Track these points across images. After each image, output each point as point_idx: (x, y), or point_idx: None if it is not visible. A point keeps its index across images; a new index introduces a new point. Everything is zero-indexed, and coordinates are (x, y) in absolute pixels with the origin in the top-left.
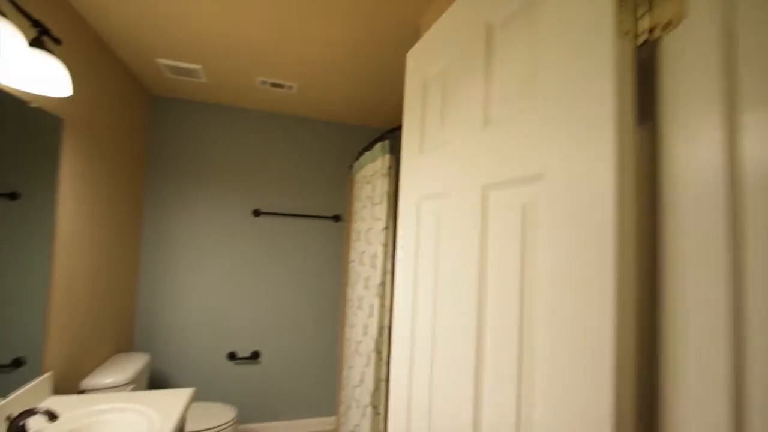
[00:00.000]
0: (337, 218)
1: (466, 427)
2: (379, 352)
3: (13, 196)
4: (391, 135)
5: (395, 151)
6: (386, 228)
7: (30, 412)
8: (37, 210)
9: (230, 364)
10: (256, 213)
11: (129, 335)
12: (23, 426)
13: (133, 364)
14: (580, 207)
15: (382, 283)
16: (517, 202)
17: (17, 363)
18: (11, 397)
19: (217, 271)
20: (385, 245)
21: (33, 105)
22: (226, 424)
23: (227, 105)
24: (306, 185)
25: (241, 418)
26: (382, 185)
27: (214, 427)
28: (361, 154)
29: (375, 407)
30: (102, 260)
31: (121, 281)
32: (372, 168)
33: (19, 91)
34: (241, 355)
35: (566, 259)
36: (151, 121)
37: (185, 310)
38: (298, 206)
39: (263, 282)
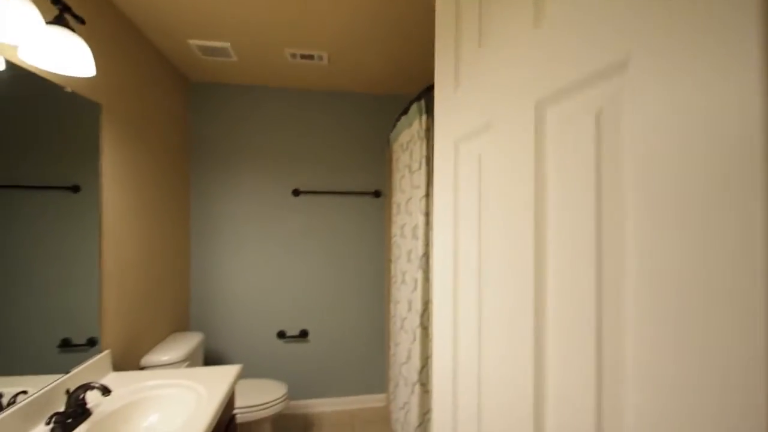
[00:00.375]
0: (377, 194)
1: (525, 401)
2: (425, 327)
3: (75, 189)
4: (427, 94)
5: (433, 112)
6: (426, 195)
7: (86, 387)
8: (93, 200)
9: (280, 342)
10: (296, 193)
11: (185, 316)
12: (83, 399)
13: (188, 343)
14: (700, 102)
15: (425, 255)
16: (587, 110)
17: (91, 342)
18: (72, 372)
19: (262, 253)
20: (427, 214)
21: (68, 90)
22: (277, 399)
23: (262, 86)
24: (344, 162)
25: (292, 395)
26: (420, 150)
27: (266, 403)
28: (397, 120)
29: (423, 385)
30: (152, 245)
31: (173, 265)
32: (408, 133)
33: (49, 73)
34: (290, 333)
35: (678, 180)
36: (191, 108)
37: (235, 291)
38: (337, 183)
39: (307, 261)
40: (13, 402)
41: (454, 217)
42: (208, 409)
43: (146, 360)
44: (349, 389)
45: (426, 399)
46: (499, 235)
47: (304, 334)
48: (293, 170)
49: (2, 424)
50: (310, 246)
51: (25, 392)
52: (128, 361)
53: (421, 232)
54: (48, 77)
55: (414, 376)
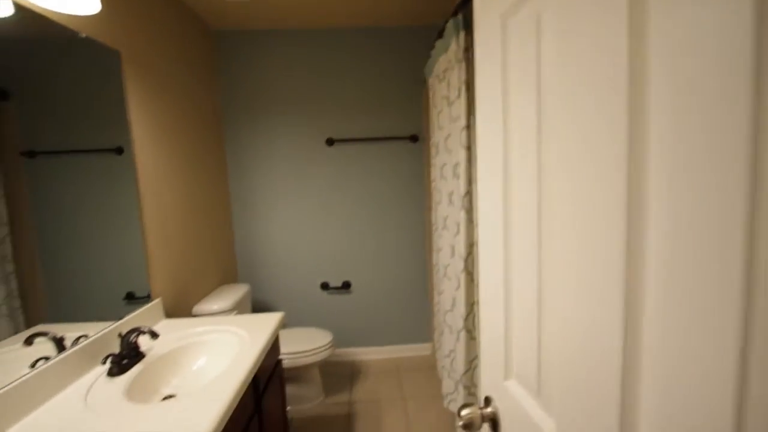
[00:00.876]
0: (414, 138)
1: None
2: (469, 272)
3: (119, 151)
4: (464, 8)
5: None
6: (467, 127)
7: (136, 330)
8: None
9: (324, 293)
10: (330, 142)
11: (232, 268)
12: (136, 342)
13: (236, 294)
14: None
15: (468, 194)
16: None
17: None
18: (126, 318)
19: (300, 205)
20: (468, 148)
21: (82, 35)
22: (323, 346)
23: (286, 30)
24: (378, 106)
25: (338, 344)
26: (458, 75)
27: (313, 349)
28: (432, 48)
29: (469, 332)
30: (191, 199)
31: (216, 217)
32: (445, 59)
33: (56, 14)
34: (333, 285)
35: None
36: (216, 58)
37: (277, 244)
38: (372, 130)
39: (346, 212)
40: (75, 343)
41: (503, 130)
42: (252, 352)
43: (197, 309)
44: (394, 338)
45: (472, 346)
46: (571, 150)
47: (346, 286)
48: (326, 119)
49: (65, 362)
50: (348, 196)
51: (85, 336)
52: (180, 309)
53: (462, 169)
54: (58, 20)
55: (459, 324)
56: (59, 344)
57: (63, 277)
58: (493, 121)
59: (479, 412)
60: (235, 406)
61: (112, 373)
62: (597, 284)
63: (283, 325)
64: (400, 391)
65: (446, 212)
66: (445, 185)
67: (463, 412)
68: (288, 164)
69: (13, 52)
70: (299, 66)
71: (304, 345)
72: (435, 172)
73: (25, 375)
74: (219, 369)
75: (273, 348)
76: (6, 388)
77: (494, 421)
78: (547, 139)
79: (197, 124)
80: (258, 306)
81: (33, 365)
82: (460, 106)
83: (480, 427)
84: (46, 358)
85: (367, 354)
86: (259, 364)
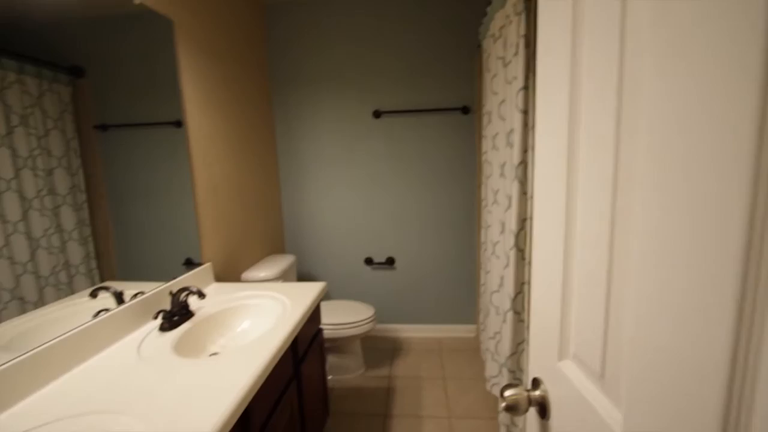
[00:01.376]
0: (465, 110)
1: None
2: (520, 249)
3: (178, 124)
4: None
5: None
6: (525, 88)
7: (185, 289)
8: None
9: (367, 268)
10: (377, 114)
11: (280, 239)
12: (185, 302)
13: (282, 263)
14: None
15: (522, 164)
16: None
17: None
18: (177, 279)
19: (347, 179)
20: (524, 112)
21: (136, 1)
22: (365, 319)
23: None
24: (427, 77)
25: (380, 319)
26: (516, 30)
27: (355, 322)
28: (489, 3)
29: (517, 313)
30: (240, 169)
31: (264, 188)
32: (502, 15)
33: None
34: (377, 260)
35: None
36: (266, 29)
37: (323, 216)
38: (420, 101)
39: (391, 187)
40: (133, 299)
41: (569, 83)
42: (292, 318)
43: (245, 276)
44: (437, 318)
45: (520, 328)
46: (672, 106)
47: (390, 262)
48: (373, 90)
49: (122, 314)
50: (395, 170)
51: (141, 292)
52: (229, 275)
53: (517, 136)
54: None
55: (506, 304)
56: (119, 298)
57: (131, 241)
58: (558, 72)
59: (526, 394)
60: (273, 365)
61: (163, 328)
62: (700, 262)
63: (327, 297)
64: (441, 370)
65: (497, 185)
66: (497, 156)
67: (508, 393)
68: (335, 136)
69: (84, 31)
70: (346, 36)
71: (346, 317)
72: (486, 144)
73: (87, 323)
74: (261, 332)
75: (313, 316)
76: (72, 332)
77: (543, 406)
78: (631, 94)
79: (246, 95)
80: (303, 277)
81: (95, 315)
82: (518, 65)
83: (526, 410)
84: (107, 310)
85: (409, 331)
86: (298, 330)
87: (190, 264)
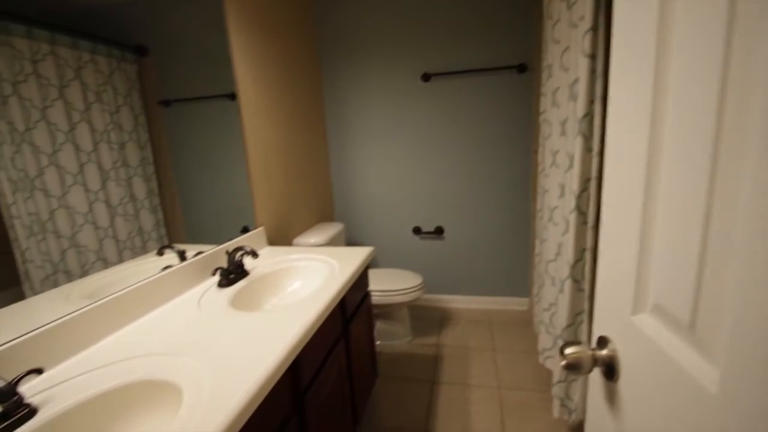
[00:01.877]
0: (522, 68)
1: None
2: (581, 212)
3: (232, 96)
4: None
5: None
6: (593, 29)
7: (240, 249)
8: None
9: (416, 238)
10: (426, 77)
11: (329, 207)
12: (241, 261)
13: (331, 231)
14: None
15: (587, 116)
16: None
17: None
18: (233, 240)
19: (395, 144)
20: (592, 56)
21: None
22: (414, 287)
23: None
24: (480, 33)
25: (428, 289)
26: None
27: (403, 289)
28: None
29: (576, 282)
30: (290, 136)
31: (313, 156)
32: None
33: None
34: (425, 229)
35: None
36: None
37: (371, 184)
38: (472, 61)
39: (441, 154)
40: (194, 257)
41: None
42: (340, 278)
43: (296, 241)
44: (487, 290)
45: (578, 298)
46: None
47: (439, 231)
48: (422, 52)
49: (184, 270)
50: (445, 136)
51: (201, 252)
52: (280, 240)
53: (582, 85)
54: None
55: (564, 272)
56: (182, 256)
57: (193, 210)
58: None
59: (590, 353)
60: (322, 321)
61: (221, 285)
62: None
63: (374, 265)
64: (491, 342)
65: (557, 145)
66: (557, 114)
67: (569, 350)
68: (383, 102)
69: (145, 11)
70: None
71: (394, 284)
72: (545, 102)
73: (155, 275)
74: (311, 291)
75: (361, 279)
76: (142, 283)
77: (610, 366)
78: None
79: (295, 64)
80: (351, 244)
81: (162, 270)
82: (585, 3)
83: (589, 370)
84: (171, 266)
85: (457, 302)
86: (346, 290)
87: (246, 231)
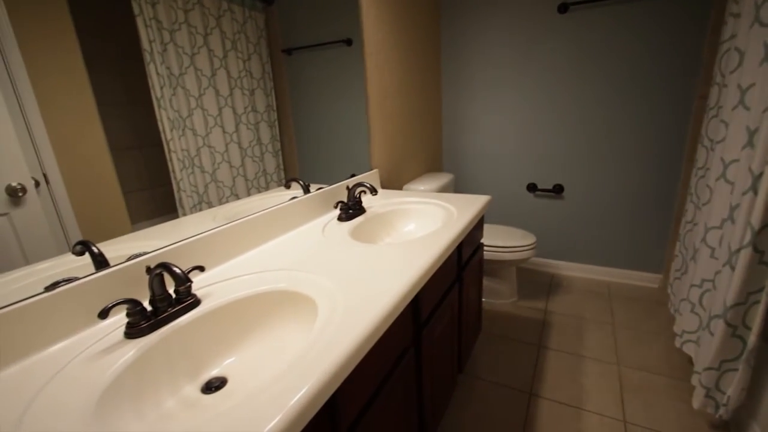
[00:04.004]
0: None
1: None
2: None
3: (349, 42)
4: None
5: None
6: None
7: (360, 185)
8: (361, 50)
9: (530, 195)
10: (563, 8)
11: (438, 158)
12: (359, 198)
13: (441, 180)
14: None
15: None
16: None
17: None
18: (353, 178)
19: (515, 91)
20: None
21: None
22: (525, 246)
23: None
24: None
25: (539, 252)
26: None
27: (513, 246)
28: None
29: (760, 252)
30: (407, 79)
31: (427, 104)
32: None
33: None
34: (542, 186)
35: None
36: None
37: (484, 134)
38: None
39: (571, 100)
40: (317, 191)
41: None
42: (459, 222)
43: (407, 187)
44: (610, 260)
45: (759, 272)
46: None
47: (558, 190)
48: None
49: (309, 201)
50: (578, 79)
51: (321, 187)
52: (392, 184)
53: None
54: None
55: (739, 240)
56: (306, 189)
57: (309, 155)
58: None
59: None
60: (444, 260)
61: (340, 219)
62: None
63: (483, 220)
64: (610, 316)
65: (752, 78)
66: (763, 33)
67: None
68: (506, 42)
69: None
70: None
71: (504, 241)
72: (737, 25)
73: (284, 202)
74: (427, 232)
75: (477, 227)
76: (273, 208)
77: None
78: None
79: (414, 5)
80: None
81: (290, 200)
82: None
83: None
84: (296, 197)
85: (572, 270)
86: (465, 234)
87: (353, 177)
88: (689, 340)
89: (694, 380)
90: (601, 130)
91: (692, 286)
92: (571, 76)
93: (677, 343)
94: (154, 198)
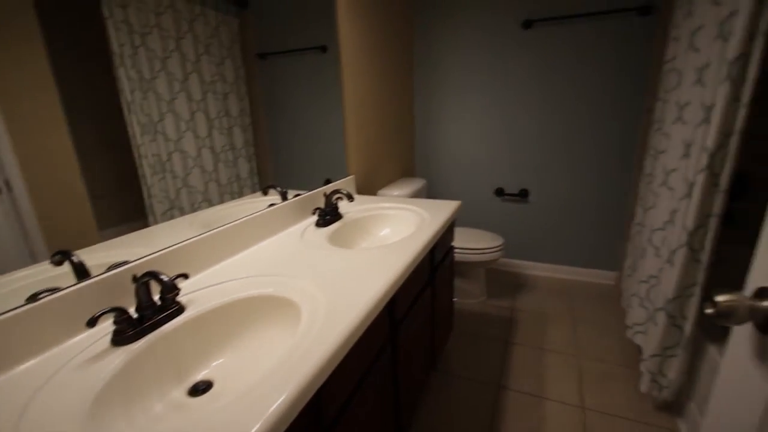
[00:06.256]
0: (645, 10)
1: None
2: (714, 173)
3: (323, 48)
4: None
5: None
6: None
7: (337, 192)
8: (336, 56)
9: (497, 199)
10: (527, 24)
11: (411, 163)
12: (336, 204)
13: (414, 186)
14: None
15: (741, 58)
16: None
17: (329, 181)
18: (329, 185)
19: (482, 100)
20: None
21: None
22: (493, 248)
23: None
24: None
25: (507, 253)
26: None
27: (482, 248)
28: None
29: (694, 251)
30: (381, 85)
31: (399, 111)
32: None
33: None
34: (508, 191)
35: None
36: None
37: (454, 141)
38: (583, 3)
39: (534, 110)
40: (294, 198)
41: None
42: (431, 227)
43: (381, 192)
44: (570, 259)
45: (692, 269)
46: None
47: (524, 194)
48: None
49: (287, 208)
50: (540, 90)
51: (299, 194)
52: (367, 190)
53: (740, 21)
54: None
55: (677, 241)
56: (284, 196)
57: (282, 160)
58: None
59: (747, 303)
60: (417, 262)
61: (318, 224)
62: None
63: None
64: (570, 312)
65: (687, 97)
66: (694, 59)
67: (721, 298)
68: (475, 54)
69: None
70: None
71: (473, 243)
72: (676, 48)
73: (263, 210)
74: (402, 237)
75: (448, 231)
76: (252, 216)
77: None
78: None
79: (387, 9)
80: None
81: (269, 206)
82: None
83: (742, 321)
84: (274, 204)
85: (536, 269)
86: (437, 239)
87: (328, 183)
88: (639, 331)
89: (642, 367)
90: (562, 139)
91: (640, 282)
92: (536, 88)
93: (629, 335)
94: (123, 204)
